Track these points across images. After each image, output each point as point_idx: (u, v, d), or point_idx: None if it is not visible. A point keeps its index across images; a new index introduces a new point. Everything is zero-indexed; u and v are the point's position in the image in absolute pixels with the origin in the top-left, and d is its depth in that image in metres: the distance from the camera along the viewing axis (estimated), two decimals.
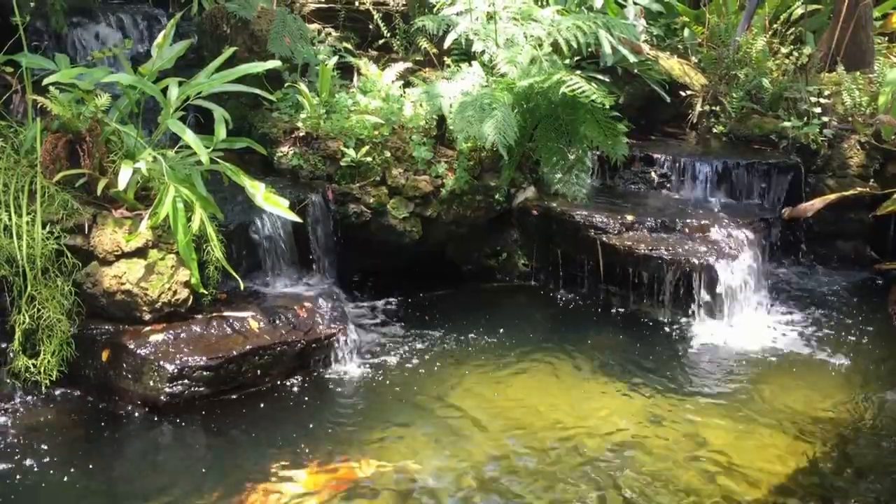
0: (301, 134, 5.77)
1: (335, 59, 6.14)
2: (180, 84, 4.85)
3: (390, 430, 4.29)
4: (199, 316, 4.61)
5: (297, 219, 4.95)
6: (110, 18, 6.66)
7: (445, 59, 6.57)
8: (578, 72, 5.97)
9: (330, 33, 6.71)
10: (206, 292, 4.65)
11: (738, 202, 6.45)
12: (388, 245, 5.85)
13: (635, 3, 7.09)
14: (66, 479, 3.82)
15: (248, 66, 5.06)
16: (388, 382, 4.75)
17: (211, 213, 4.65)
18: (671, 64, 7.23)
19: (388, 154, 5.75)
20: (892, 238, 6.57)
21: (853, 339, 5.43)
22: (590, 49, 6.19)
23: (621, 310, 5.79)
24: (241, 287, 4.74)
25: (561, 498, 3.79)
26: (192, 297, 4.61)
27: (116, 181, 4.44)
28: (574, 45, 5.91)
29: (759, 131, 6.89)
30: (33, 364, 4.26)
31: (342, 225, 5.64)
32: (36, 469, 3.86)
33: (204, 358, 4.36)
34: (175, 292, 4.54)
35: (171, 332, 4.45)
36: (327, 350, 4.79)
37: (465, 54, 6.34)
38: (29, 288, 4.24)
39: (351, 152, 5.60)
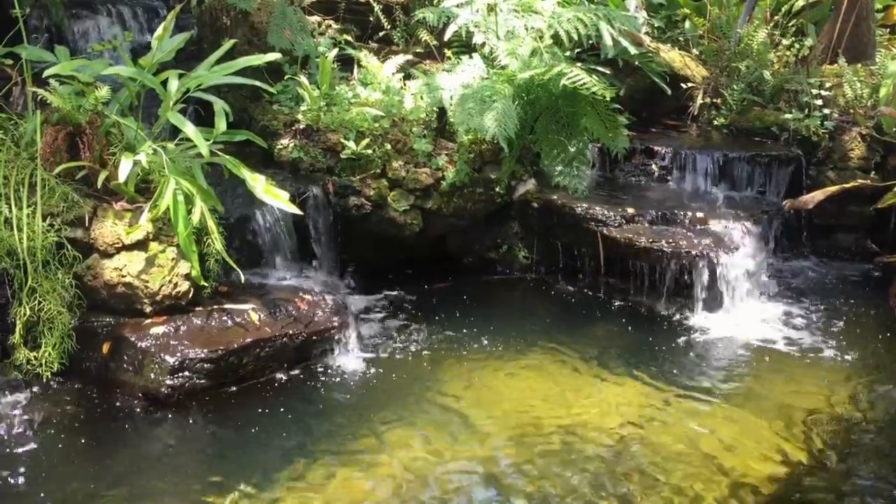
0: (301, 126, 5.77)
1: (335, 51, 6.13)
2: (180, 76, 4.85)
3: (390, 423, 4.29)
4: (200, 308, 4.61)
5: (298, 211, 4.95)
6: (110, 11, 6.64)
7: (446, 51, 6.56)
8: (579, 64, 5.96)
9: (330, 25, 6.69)
10: (206, 285, 4.65)
11: (738, 194, 6.45)
12: (389, 237, 5.85)
13: None
14: (66, 472, 3.83)
15: (248, 59, 5.06)
16: (388, 375, 4.76)
17: (211, 206, 4.65)
18: (672, 56, 7.22)
19: (388, 146, 5.75)
20: (893, 230, 6.56)
21: (853, 331, 5.43)
22: (591, 41, 6.17)
23: (621, 302, 5.80)
24: (242, 279, 4.74)
25: (560, 491, 3.80)
26: (192, 290, 4.62)
27: (117, 173, 4.44)
28: (575, 36, 5.89)
29: (760, 123, 6.88)
30: (34, 356, 4.26)
31: (343, 217, 5.64)
32: (36, 462, 3.87)
33: (205, 350, 4.36)
34: (176, 285, 4.54)
35: (171, 324, 4.45)
36: (328, 342, 4.79)
37: (465, 46, 6.33)
38: (30, 280, 4.24)
39: (351, 145, 5.60)
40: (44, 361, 4.26)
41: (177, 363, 4.28)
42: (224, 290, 4.84)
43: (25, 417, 4.17)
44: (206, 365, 4.35)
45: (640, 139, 6.66)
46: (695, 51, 7.61)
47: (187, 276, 4.58)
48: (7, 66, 5.12)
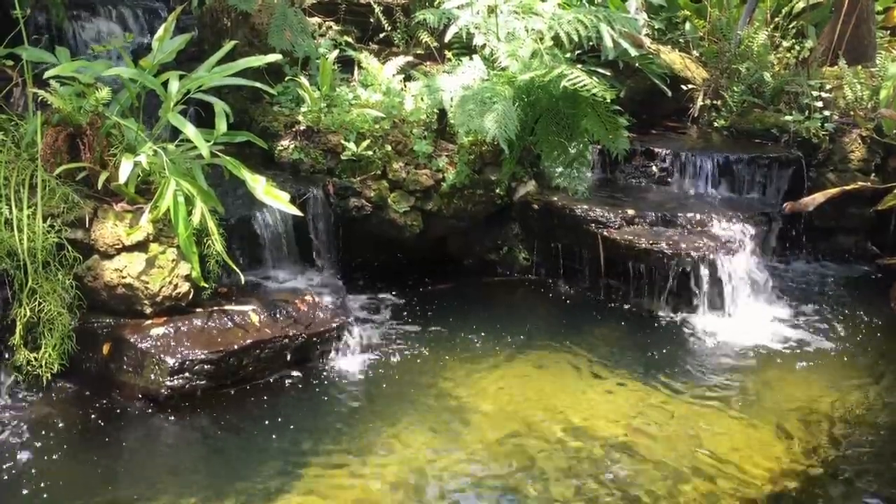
0: (302, 128, 5.77)
1: (336, 52, 6.13)
2: (181, 78, 4.85)
3: (391, 425, 4.29)
4: (200, 309, 4.61)
5: (298, 212, 4.95)
6: (111, 12, 6.66)
7: (446, 52, 6.56)
8: (580, 65, 5.96)
9: (331, 27, 6.69)
10: (206, 286, 4.65)
11: (739, 196, 6.45)
12: (389, 239, 5.85)
13: None
14: (65, 473, 3.83)
15: (249, 60, 5.06)
16: (388, 376, 4.76)
17: (212, 207, 4.65)
18: (672, 58, 7.22)
19: (388, 148, 5.75)
20: (894, 232, 6.56)
21: (854, 333, 5.43)
22: (591, 43, 6.18)
23: (622, 304, 5.79)
24: (242, 281, 4.74)
25: (560, 492, 3.80)
26: (192, 291, 4.62)
27: (117, 175, 4.44)
28: (575, 38, 5.90)
29: (761, 125, 6.88)
30: (34, 358, 4.27)
31: (343, 219, 5.64)
32: (37, 463, 3.86)
33: (205, 351, 4.36)
34: (176, 286, 4.54)
35: (172, 325, 4.45)
36: (328, 344, 4.79)
37: (466, 48, 6.33)
38: (30, 281, 4.24)
39: (352, 146, 5.60)
40: (44, 362, 4.27)
41: (177, 364, 4.28)
42: (224, 291, 4.85)
43: (25, 418, 4.17)
44: (206, 366, 4.35)
45: (641, 141, 6.66)
46: (695, 52, 7.61)
47: (187, 278, 4.58)
48: (8, 67, 5.12)
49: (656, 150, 6.59)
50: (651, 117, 7.17)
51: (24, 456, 3.90)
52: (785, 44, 7.37)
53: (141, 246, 4.52)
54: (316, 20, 6.66)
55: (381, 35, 6.94)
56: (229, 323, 4.56)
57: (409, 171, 5.78)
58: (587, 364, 4.98)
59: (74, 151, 4.59)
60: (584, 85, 5.36)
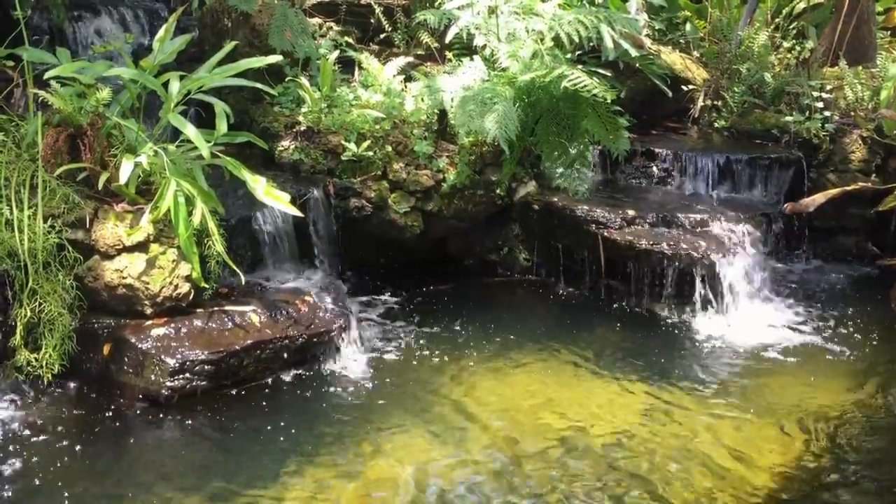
0: (302, 128, 5.77)
1: (336, 53, 6.14)
2: (181, 78, 4.85)
3: (391, 425, 4.29)
4: (201, 310, 4.61)
5: (299, 213, 4.95)
6: (112, 13, 6.66)
7: (447, 53, 6.56)
8: (580, 66, 5.96)
9: (331, 27, 6.69)
10: (207, 286, 4.65)
11: (739, 197, 6.45)
12: (390, 239, 5.86)
13: None
14: (66, 474, 3.83)
15: (250, 61, 5.06)
16: (388, 377, 4.76)
17: (212, 207, 4.65)
18: (673, 58, 7.22)
19: (389, 148, 5.75)
20: (894, 233, 6.56)
21: (854, 334, 5.43)
22: (591, 43, 6.18)
23: (622, 304, 5.79)
24: (243, 281, 4.74)
25: (561, 493, 3.80)
26: (193, 291, 4.62)
27: (118, 175, 4.45)
28: (576, 39, 5.89)
29: (761, 126, 6.89)
30: (35, 358, 4.27)
31: (343, 219, 5.64)
32: (37, 463, 3.87)
33: (205, 352, 4.36)
34: (176, 286, 4.54)
35: (172, 326, 4.46)
36: (328, 344, 4.79)
37: (466, 49, 6.33)
38: (30, 282, 4.24)
39: (352, 146, 5.60)
40: (44, 363, 4.27)
41: (177, 365, 4.28)
42: (224, 291, 4.85)
43: (25, 419, 4.18)
44: (206, 366, 4.35)
45: (641, 141, 6.66)
46: (696, 53, 7.61)
47: (188, 278, 4.58)
48: (8, 67, 5.12)
49: (657, 150, 6.60)
50: (651, 118, 7.17)
51: (24, 456, 3.90)
52: (785, 44, 7.37)
53: (141, 246, 4.52)
54: (316, 21, 6.66)
55: (382, 36, 6.94)
56: (230, 323, 4.56)
57: (410, 171, 5.78)
58: (587, 364, 4.98)
59: (75, 152, 4.59)
60: (585, 85, 5.36)
